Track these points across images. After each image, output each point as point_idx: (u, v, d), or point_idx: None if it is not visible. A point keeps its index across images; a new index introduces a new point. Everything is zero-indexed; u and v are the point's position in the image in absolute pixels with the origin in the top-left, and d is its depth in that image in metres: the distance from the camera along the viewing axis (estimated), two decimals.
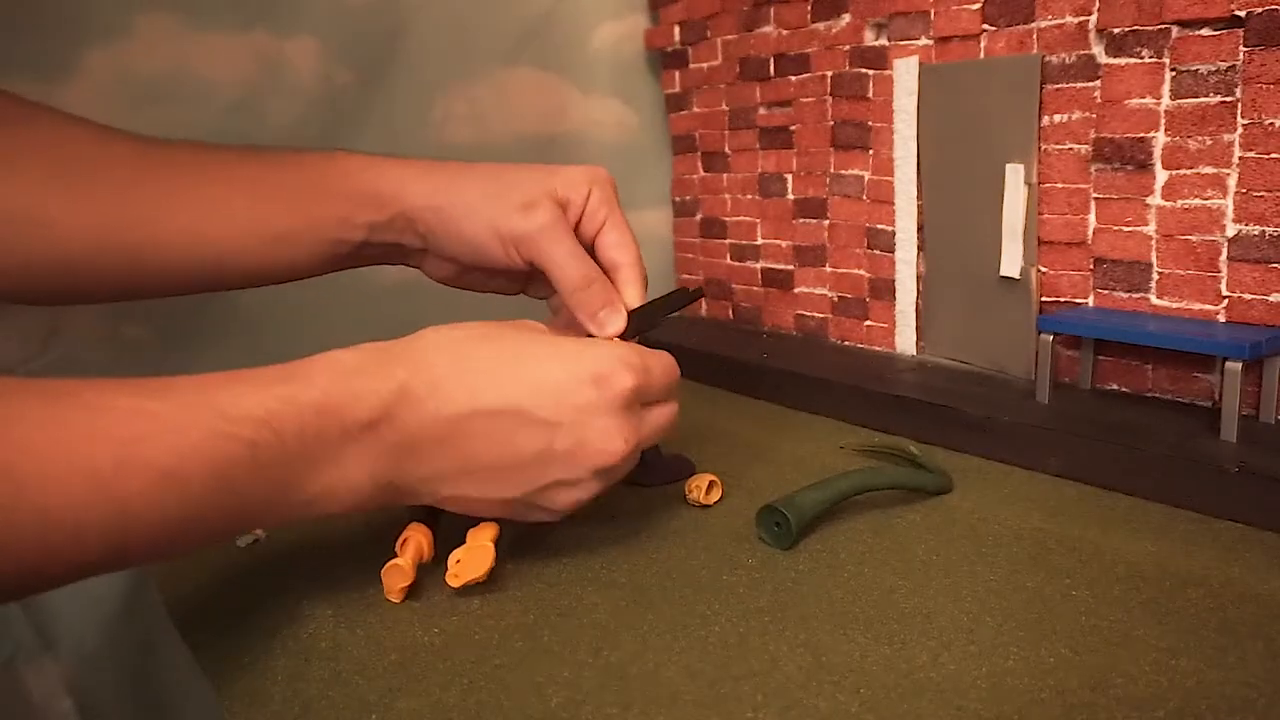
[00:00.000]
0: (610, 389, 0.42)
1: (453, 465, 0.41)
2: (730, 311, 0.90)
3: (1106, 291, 0.61)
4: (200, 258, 0.49)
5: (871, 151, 0.74)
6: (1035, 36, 0.61)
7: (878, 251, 0.75)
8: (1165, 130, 0.56)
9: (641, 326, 0.50)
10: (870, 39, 0.72)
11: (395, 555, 0.44)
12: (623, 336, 0.49)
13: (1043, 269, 0.64)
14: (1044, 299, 0.64)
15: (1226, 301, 0.55)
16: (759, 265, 0.86)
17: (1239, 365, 0.50)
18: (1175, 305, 0.57)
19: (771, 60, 0.80)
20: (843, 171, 0.76)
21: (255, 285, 0.53)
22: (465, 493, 0.42)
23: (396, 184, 0.51)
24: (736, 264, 0.88)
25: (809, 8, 0.76)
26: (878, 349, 0.76)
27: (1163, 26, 0.55)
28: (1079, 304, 0.62)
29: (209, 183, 0.50)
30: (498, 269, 0.51)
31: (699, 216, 0.92)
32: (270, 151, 0.52)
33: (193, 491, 0.32)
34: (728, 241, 0.89)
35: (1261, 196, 0.53)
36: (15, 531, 0.28)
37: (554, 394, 0.41)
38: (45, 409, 0.31)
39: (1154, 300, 0.58)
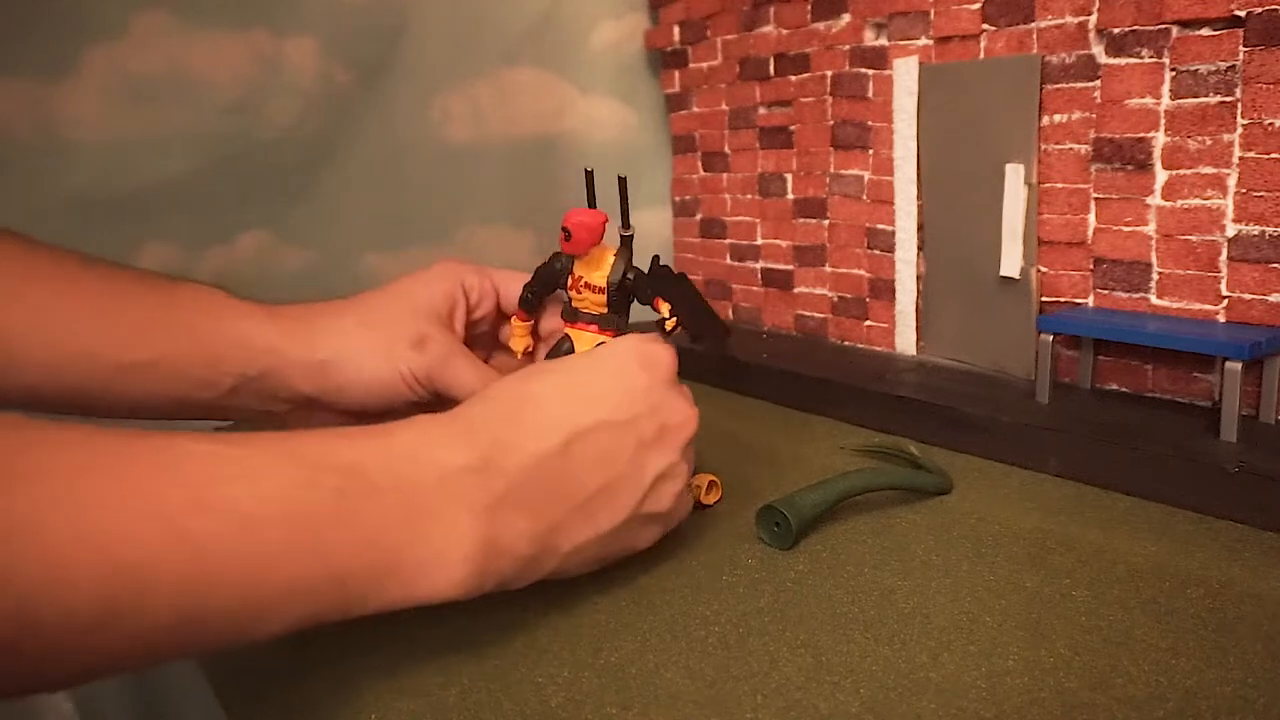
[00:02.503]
0: (659, 367, 0.43)
1: (564, 507, 0.39)
2: (730, 311, 0.90)
3: (1106, 291, 0.61)
4: (21, 382, 0.44)
5: (871, 151, 0.74)
6: (1035, 36, 0.61)
7: (878, 251, 0.75)
8: (1165, 130, 0.56)
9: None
10: (870, 39, 0.72)
11: None
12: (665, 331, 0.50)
13: (1043, 269, 0.64)
14: (1044, 299, 0.64)
15: (1226, 301, 0.55)
16: (759, 265, 0.86)
17: (1239, 365, 0.50)
18: (1175, 305, 0.57)
19: (771, 60, 0.80)
20: (843, 171, 0.76)
21: (99, 416, 0.47)
22: (583, 536, 0.40)
23: (269, 337, 0.48)
24: (736, 264, 0.88)
25: (809, 7, 0.76)
26: (878, 349, 0.76)
27: (1162, 26, 0.55)
28: (1079, 304, 0.62)
29: (53, 295, 0.45)
30: (397, 408, 0.50)
31: (699, 216, 0.92)
32: (135, 271, 0.48)
33: (271, 540, 0.30)
34: (727, 241, 0.89)
35: (1261, 196, 0.53)
36: (76, 589, 0.26)
37: (621, 393, 0.42)
38: (116, 455, 0.29)
39: (1154, 300, 0.58)
